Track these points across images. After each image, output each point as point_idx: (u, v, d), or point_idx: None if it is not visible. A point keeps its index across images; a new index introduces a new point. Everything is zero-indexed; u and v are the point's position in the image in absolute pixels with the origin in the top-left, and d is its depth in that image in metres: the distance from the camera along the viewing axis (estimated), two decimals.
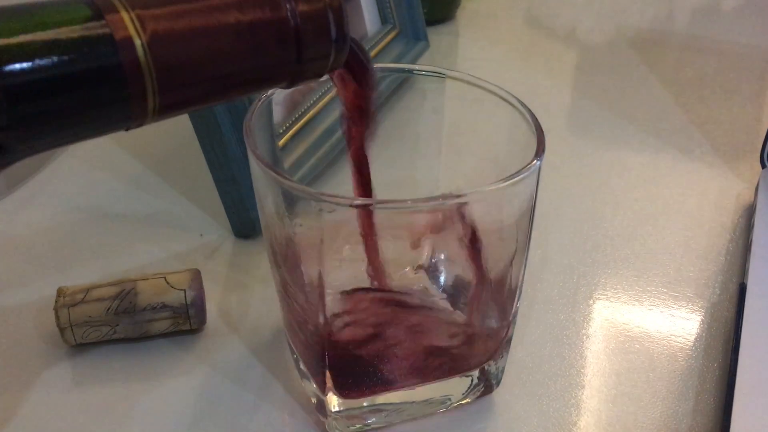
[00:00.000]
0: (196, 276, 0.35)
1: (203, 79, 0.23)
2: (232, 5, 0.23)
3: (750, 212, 0.44)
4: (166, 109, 0.22)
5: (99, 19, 0.21)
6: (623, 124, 0.55)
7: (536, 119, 0.29)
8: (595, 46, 0.69)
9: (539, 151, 0.28)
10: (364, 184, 0.31)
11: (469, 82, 0.32)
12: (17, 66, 0.19)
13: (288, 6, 0.23)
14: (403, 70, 0.33)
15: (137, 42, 0.21)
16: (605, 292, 0.39)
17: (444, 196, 0.25)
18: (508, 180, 0.26)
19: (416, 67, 0.33)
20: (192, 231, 0.43)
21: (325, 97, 0.45)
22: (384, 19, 0.57)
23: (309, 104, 0.44)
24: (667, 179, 0.48)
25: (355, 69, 0.28)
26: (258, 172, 0.28)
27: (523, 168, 0.26)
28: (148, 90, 0.21)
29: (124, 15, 0.21)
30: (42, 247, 0.42)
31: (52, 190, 0.46)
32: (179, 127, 0.51)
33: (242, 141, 0.39)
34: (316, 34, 0.24)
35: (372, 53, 0.54)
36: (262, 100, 0.31)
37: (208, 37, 0.22)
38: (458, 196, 0.26)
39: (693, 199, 0.46)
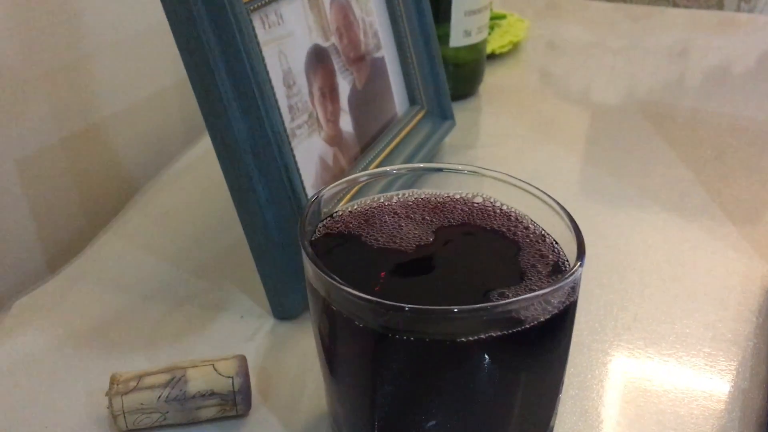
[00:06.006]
0: (243, 362, 0.36)
1: None
2: None
3: None
4: None
5: None
6: (647, 204, 0.56)
7: (575, 223, 0.30)
8: (614, 120, 0.71)
9: (580, 254, 0.29)
10: None
11: (512, 184, 0.33)
12: None
13: None
14: (440, 169, 0.34)
15: None
16: (636, 376, 0.40)
17: (494, 305, 0.26)
18: (553, 286, 0.27)
19: (459, 166, 0.34)
20: (233, 313, 0.44)
21: None
22: (413, 100, 0.59)
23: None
24: (692, 260, 0.49)
25: None
26: (310, 272, 0.29)
27: (567, 273, 0.28)
28: None
29: None
30: (88, 331, 0.43)
31: (95, 272, 0.48)
32: (221, 210, 0.53)
33: (284, 228, 0.41)
34: None
35: (402, 133, 0.56)
36: (312, 202, 0.32)
37: None
38: (507, 302, 0.27)
39: (718, 281, 0.47)
